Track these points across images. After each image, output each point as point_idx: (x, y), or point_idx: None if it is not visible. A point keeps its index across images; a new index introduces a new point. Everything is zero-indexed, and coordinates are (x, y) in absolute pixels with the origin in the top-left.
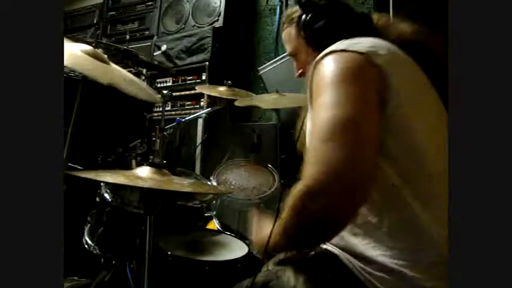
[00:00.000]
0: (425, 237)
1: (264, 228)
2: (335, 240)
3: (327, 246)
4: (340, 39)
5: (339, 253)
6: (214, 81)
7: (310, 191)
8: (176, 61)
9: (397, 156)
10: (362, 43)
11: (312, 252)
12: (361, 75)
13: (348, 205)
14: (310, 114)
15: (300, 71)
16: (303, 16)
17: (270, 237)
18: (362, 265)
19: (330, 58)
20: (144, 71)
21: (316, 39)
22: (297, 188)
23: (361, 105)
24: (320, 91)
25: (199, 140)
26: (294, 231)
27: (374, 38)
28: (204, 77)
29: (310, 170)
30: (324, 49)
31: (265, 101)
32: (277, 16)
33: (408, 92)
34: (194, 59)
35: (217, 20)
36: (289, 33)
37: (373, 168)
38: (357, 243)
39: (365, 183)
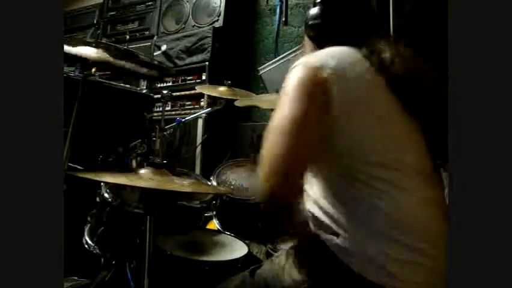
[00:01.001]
0: (374, 218)
1: None
2: (321, 229)
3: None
4: (330, 42)
5: (321, 234)
6: (214, 81)
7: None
8: (176, 61)
9: (343, 149)
10: (318, 56)
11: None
12: (307, 91)
13: (284, 192)
14: None
15: None
16: (308, 12)
17: None
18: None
19: (296, 70)
20: None
21: (313, 37)
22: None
23: (300, 120)
24: (282, 97)
25: (199, 140)
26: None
27: (341, 47)
28: (204, 77)
29: (267, 167)
30: (321, 47)
31: (265, 101)
32: (277, 16)
33: (353, 96)
34: (194, 59)
35: (217, 20)
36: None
37: (303, 171)
38: (330, 227)
39: (296, 178)
